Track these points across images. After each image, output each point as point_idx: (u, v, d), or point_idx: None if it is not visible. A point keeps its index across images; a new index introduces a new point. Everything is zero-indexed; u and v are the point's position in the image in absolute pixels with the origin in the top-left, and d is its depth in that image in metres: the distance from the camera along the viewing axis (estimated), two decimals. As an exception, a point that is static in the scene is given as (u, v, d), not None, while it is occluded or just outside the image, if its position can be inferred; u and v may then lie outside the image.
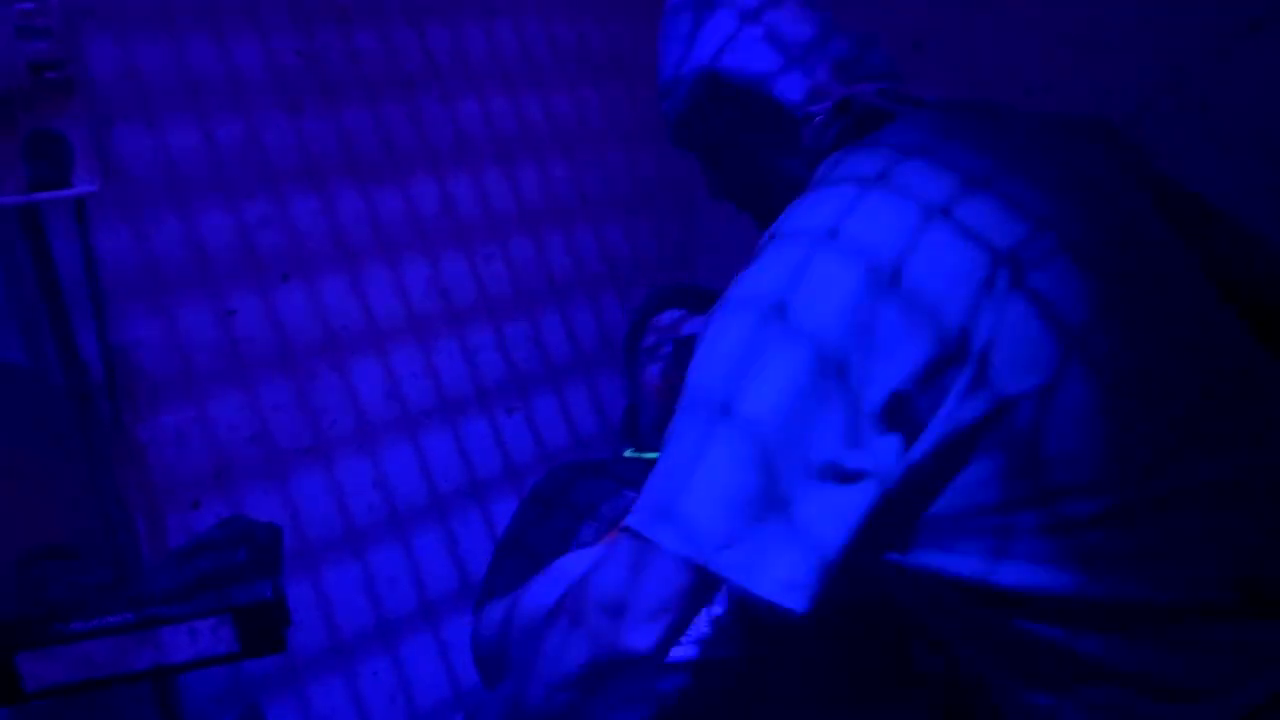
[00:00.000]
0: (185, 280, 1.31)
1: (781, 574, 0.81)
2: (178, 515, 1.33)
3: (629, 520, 0.86)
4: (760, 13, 1.05)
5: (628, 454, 1.54)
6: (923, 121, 1.01)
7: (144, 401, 1.28)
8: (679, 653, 1.16)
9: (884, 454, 0.83)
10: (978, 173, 0.93)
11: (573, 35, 1.74)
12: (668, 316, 1.57)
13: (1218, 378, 0.90)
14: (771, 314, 0.84)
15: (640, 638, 0.85)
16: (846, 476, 0.83)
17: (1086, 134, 1.12)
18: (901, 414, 0.83)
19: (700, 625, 1.18)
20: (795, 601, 0.80)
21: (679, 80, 1.06)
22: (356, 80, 1.46)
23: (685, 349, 1.50)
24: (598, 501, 1.33)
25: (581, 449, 1.79)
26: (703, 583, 0.84)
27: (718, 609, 1.19)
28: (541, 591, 1.24)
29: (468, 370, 1.62)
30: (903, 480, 0.85)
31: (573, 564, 1.23)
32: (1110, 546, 0.84)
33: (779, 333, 0.84)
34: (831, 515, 0.82)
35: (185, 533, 1.33)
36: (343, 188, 1.46)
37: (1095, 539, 0.84)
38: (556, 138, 1.73)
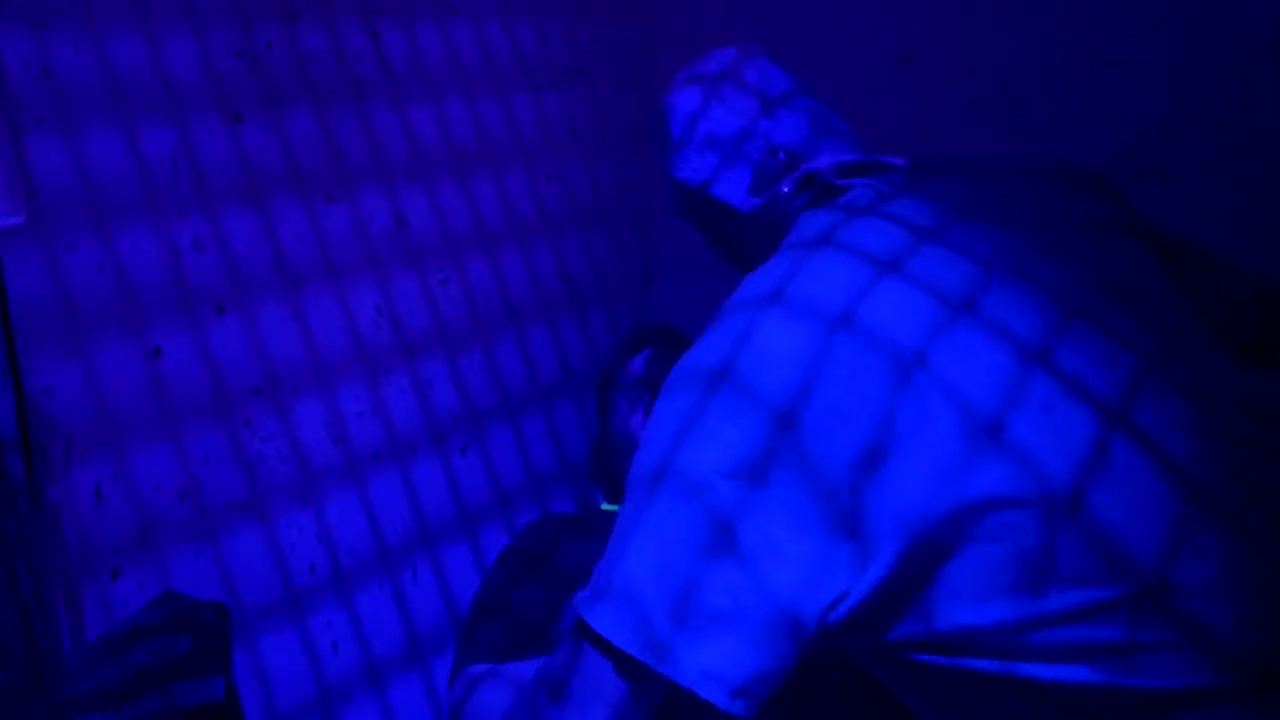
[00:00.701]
0: (104, 316, 1.14)
1: (715, 666, 0.76)
2: (94, 586, 1.16)
3: (575, 595, 0.78)
4: (701, 115, 1.13)
5: (605, 507, 1.44)
6: (879, 183, 1.01)
7: (57, 457, 1.12)
8: None
9: (853, 529, 0.79)
10: (927, 224, 0.92)
11: (534, 36, 1.61)
12: (642, 360, 1.48)
13: (1227, 445, 0.84)
14: (716, 379, 0.83)
15: None
16: (803, 555, 0.79)
17: (1065, 182, 1.08)
18: (865, 483, 0.80)
19: None
20: (731, 703, 0.76)
21: (665, 182, 1.18)
22: (303, 85, 1.30)
23: None
24: (589, 565, 1.22)
25: (537, 490, 1.67)
26: (637, 671, 0.78)
27: None
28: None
29: (419, 407, 1.49)
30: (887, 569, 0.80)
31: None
32: (1140, 636, 0.78)
33: (725, 395, 0.83)
34: (785, 599, 0.78)
35: (103, 607, 1.17)
36: (286, 206, 1.30)
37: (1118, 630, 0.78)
38: (516, 147, 1.60)
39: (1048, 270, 0.90)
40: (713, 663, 0.77)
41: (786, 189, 1.11)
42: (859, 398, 0.81)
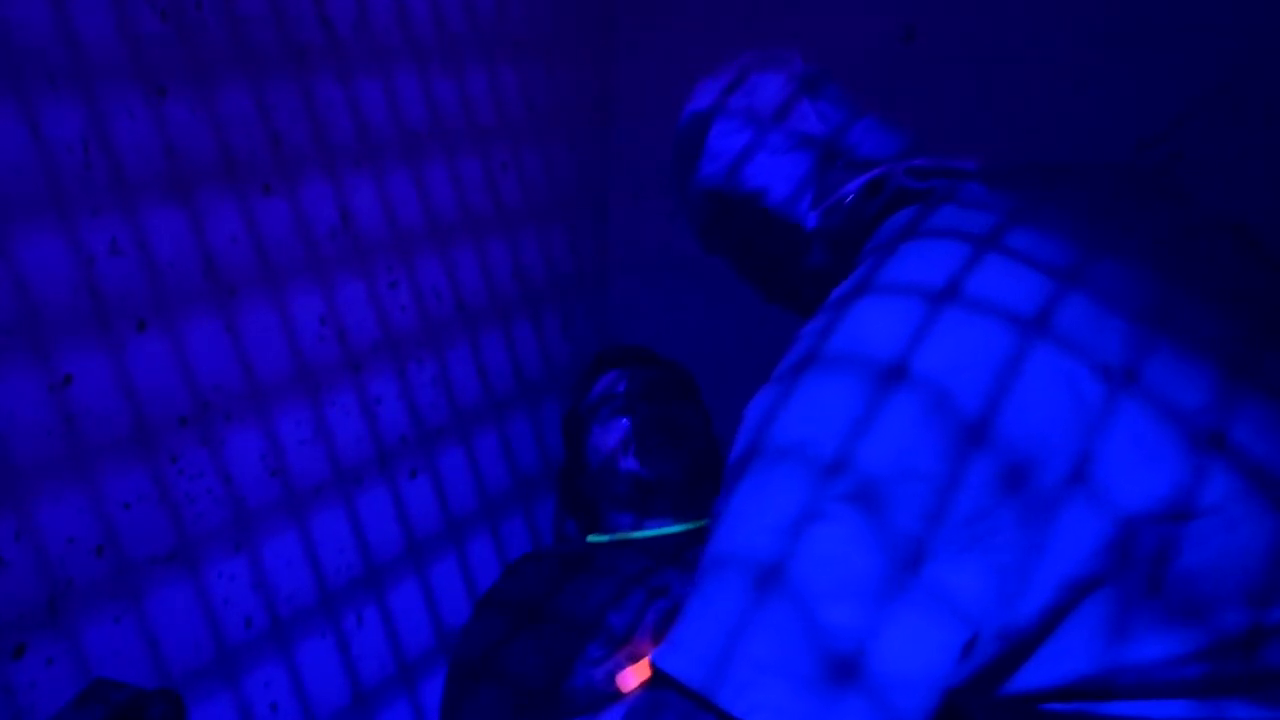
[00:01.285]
0: (1, 339, 0.94)
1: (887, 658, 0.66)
2: (-9, 667, 0.96)
3: (665, 662, 0.67)
4: (756, 122, 1.03)
5: (594, 539, 1.30)
6: (976, 198, 0.89)
7: (-58, 515, 0.91)
8: None
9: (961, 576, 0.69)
10: (1061, 264, 0.81)
11: (491, 2, 1.43)
12: (608, 381, 1.34)
13: None
14: (891, 376, 0.72)
15: None
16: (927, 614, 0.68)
17: (1143, 186, 0.99)
18: None
19: None
20: None
21: (689, 201, 1.09)
22: (237, 54, 1.11)
23: (649, 421, 1.27)
24: (600, 609, 1.08)
25: (491, 514, 1.51)
26: None
27: None
28: None
29: (367, 430, 1.31)
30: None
31: None
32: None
33: (906, 396, 0.71)
34: (911, 668, 0.67)
35: (5, 693, 0.97)
36: (217, 200, 1.11)
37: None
38: (471, 130, 1.42)
39: (1190, 309, 0.80)
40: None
41: (850, 198, 0.98)
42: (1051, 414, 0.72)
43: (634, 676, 1.02)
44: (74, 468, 1.00)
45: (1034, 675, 0.72)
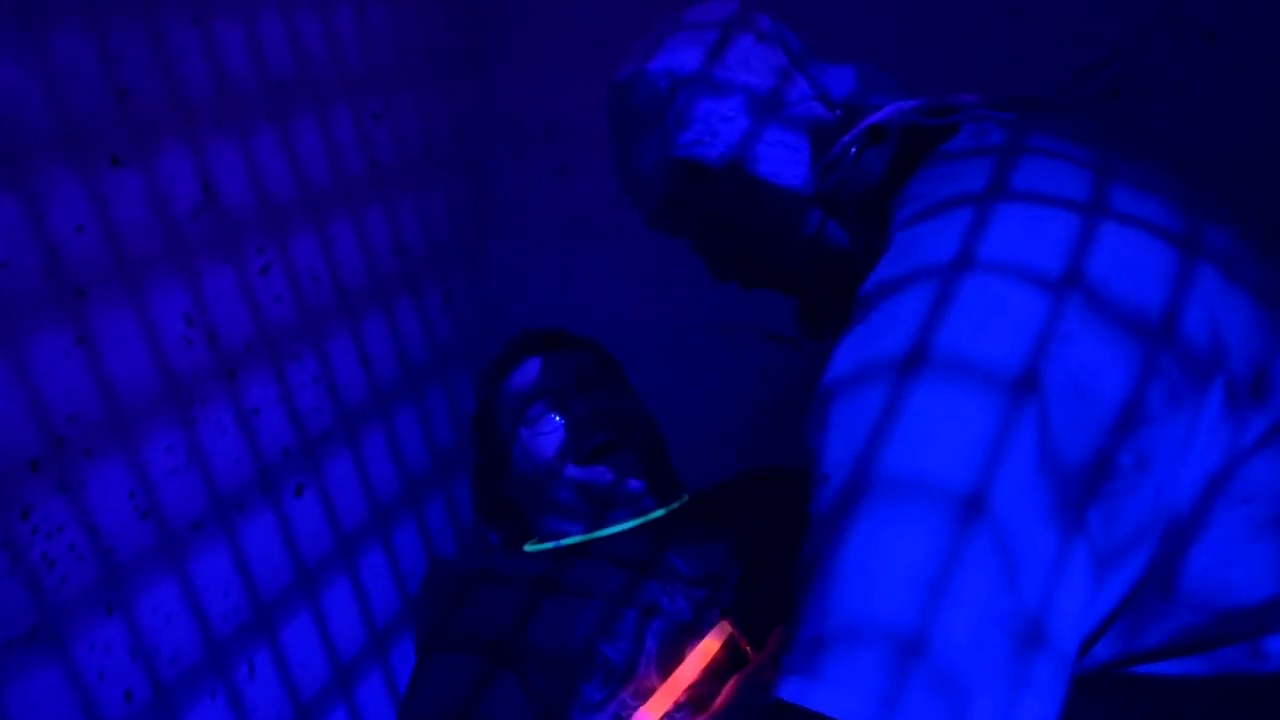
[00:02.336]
0: None
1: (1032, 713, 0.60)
2: None
3: (800, 691, 0.60)
4: (728, 81, 0.93)
5: (531, 548, 1.15)
6: (990, 126, 0.84)
7: None
8: None
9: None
10: (1099, 163, 0.79)
11: (355, -77, 1.23)
12: (524, 375, 1.19)
13: None
14: (910, 365, 0.68)
15: None
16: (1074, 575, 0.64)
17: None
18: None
19: None
20: None
21: (647, 175, 0.97)
22: (72, -10, 0.88)
23: (587, 417, 1.14)
24: (589, 641, 0.94)
25: (383, 524, 1.34)
26: None
27: None
28: None
29: (245, 445, 1.11)
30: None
31: None
32: None
33: (943, 385, 0.67)
34: (1072, 614, 0.64)
35: None
36: (58, 175, 0.88)
37: None
38: (341, 78, 1.22)
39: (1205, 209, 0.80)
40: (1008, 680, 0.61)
41: (853, 151, 0.88)
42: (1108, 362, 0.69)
43: (649, 717, 0.91)
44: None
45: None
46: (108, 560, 0.95)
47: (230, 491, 1.09)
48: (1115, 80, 1.31)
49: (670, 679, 0.93)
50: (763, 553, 1.07)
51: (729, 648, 0.96)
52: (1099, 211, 0.74)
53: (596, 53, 1.45)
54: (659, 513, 1.12)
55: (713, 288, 1.36)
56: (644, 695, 0.94)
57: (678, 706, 0.93)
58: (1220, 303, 0.73)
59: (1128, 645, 0.70)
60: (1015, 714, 0.60)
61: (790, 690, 0.61)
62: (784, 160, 0.91)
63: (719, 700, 0.89)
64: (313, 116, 1.17)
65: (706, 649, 0.95)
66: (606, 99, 1.04)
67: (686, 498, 1.17)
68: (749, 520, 1.13)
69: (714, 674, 0.94)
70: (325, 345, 1.22)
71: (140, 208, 0.96)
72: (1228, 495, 0.70)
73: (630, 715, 0.92)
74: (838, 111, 0.92)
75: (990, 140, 0.82)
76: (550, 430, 1.15)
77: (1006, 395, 0.66)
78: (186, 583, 1.04)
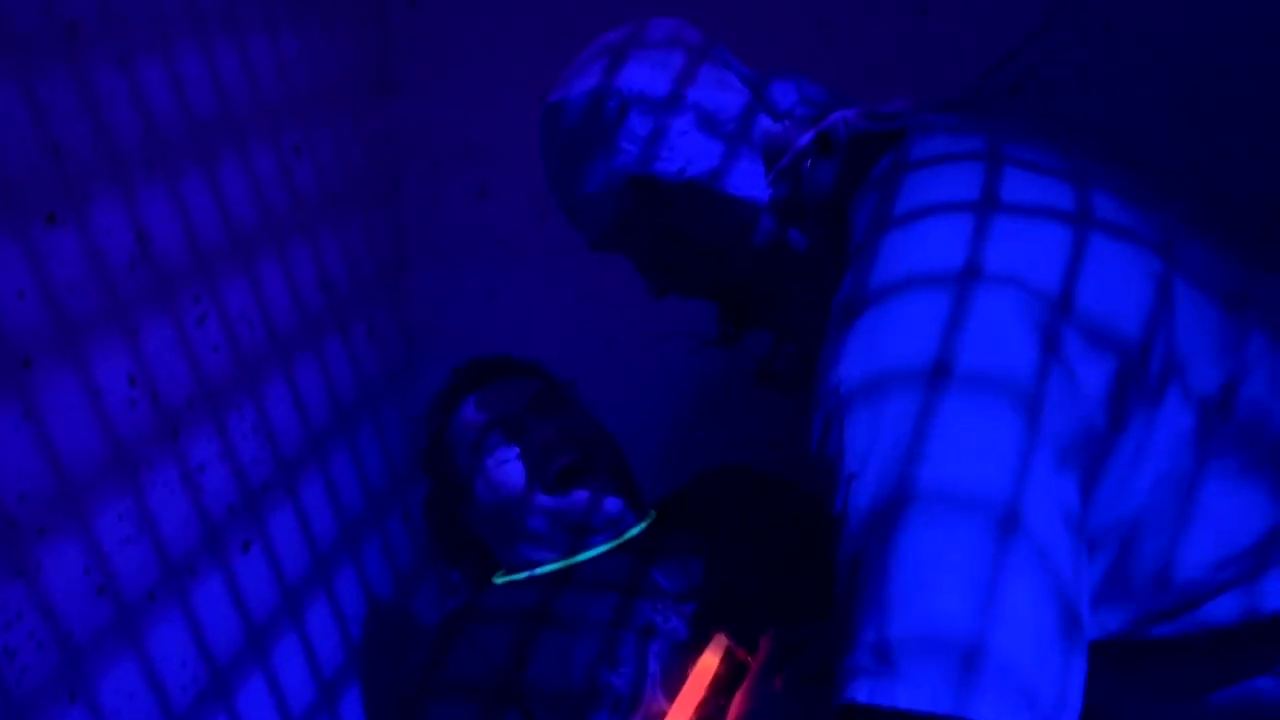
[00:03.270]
0: None
1: (1069, 697, 0.65)
2: None
3: (871, 691, 0.63)
4: (679, 96, 0.95)
5: (501, 579, 1.14)
6: (942, 127, 0.89)
7: None
8: None
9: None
10: (1068, 170, 0.84)
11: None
12: (476, 406, 1.18)
13: None
14: (936, 378, 0.71)
15: None
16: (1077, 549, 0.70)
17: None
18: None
19: None
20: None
21: (596, 195, 0.97)
22: None
23: (549, 442, 1.14)
24: (590, 670, 0.94)
25: (324, 575, 1.31)
26: None
27: None
28: None
29: (193, 507, 1.07)
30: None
31: None
32: None
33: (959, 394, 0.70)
34: (1084, 597, 0.69)
35: None
36: (-5, 242, 0.83)
37: None
38: (260, 111, 1.19)
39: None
40: (1066, 685, 0.66)
41: (808, 162, 0.90)
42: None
43: None
44: None
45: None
46: (67, 644, 0.91)
47: (181, 556, 1.05)
48: (1020, 74, 1.37)
49: (678, 700, 0.95)
50: (740, 556, 1.09)
51: (728, 660, 0.98)
52: (1085, 223, 0.78)
53: (512, 70, 1.45)
54: (635, 530, 1.13)
55: (643, 298, 1.37)
56: (654, 715, 0.95)
57: None
58: (1186, 314, 0.78)
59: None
60: (1066, 703, 0.64)
61: (865, 691, 0.64)
62: (740, 173, 0.94)
63: (732, 715, 0.90)
64: (236, 154, 1.13)
65: (707, 665, 0.97)
66: (542, 120, 1.03)
67: (654, 512, 1.18)
68: (719, 525, 1.15)
69: (719, 689, 0.96)
70: (262, 392, 1.18)
71: (78, 266, 0.91)
72: (1175, 492, 0.76)
73: None
74: (785, 122, 0.95)
75: (965, 147, 0.85)
76: (513, 458, 1.14)
77: (1025, 408, 0.70)
78: (145, 657, 1.00)
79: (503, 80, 1.45)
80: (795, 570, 1.09)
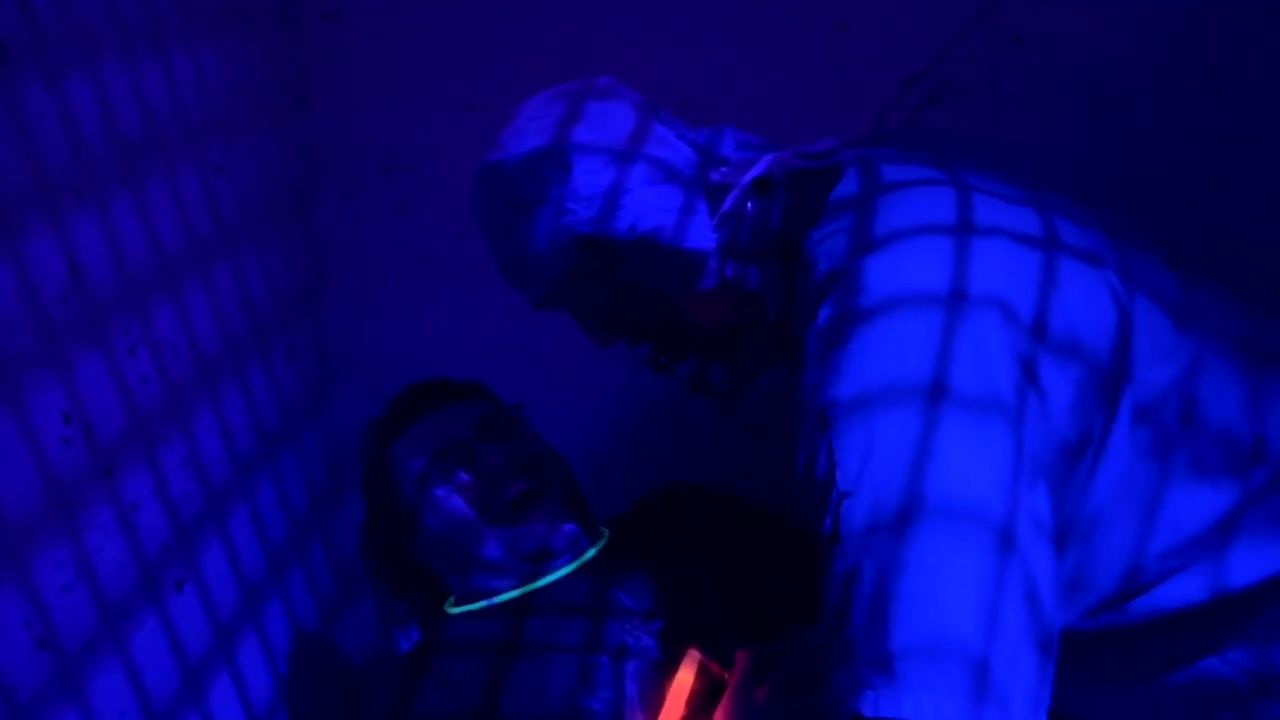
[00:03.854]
0: None
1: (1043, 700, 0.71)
2: None
3: (875, 705, 0.66)
4: (623, 153, 0.96)
5: (453, 609, 1.12)
6: (881, 159, 0.93)
7: None
8: None
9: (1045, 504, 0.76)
10: (1013, 193, 0.88)
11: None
12: (421, 432, 1.17)
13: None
14: (934, 396, 0.74)
15: None
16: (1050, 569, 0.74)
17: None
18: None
19: None
20: None
21: (541, 254, 0.97)
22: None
23: (501, 468, 1.13)
24: (570, 697, 0.94)
25: (254, 612, 1.27)
26: None
27: None
28: None
29: (128, 548, 1.03)
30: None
31: None
32: None
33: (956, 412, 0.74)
34: (1057, 604, 0.74)
35: None
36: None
37: None
38: (183, 127, 1.14)
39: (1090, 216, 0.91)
40: (1037, 690, 0.70)
41: (751, 205, 0.95)
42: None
43: None
44: None
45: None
46: (10, 701, 0.86)
47: (118, 600, 1.01)
48: (936, 86, 1.42)
49: (659, 719, 0.95)
50: (700, 571, 1.10)
51: (703, 675, 0.99)
52: (1053, 246, 0.81)
53: (431, 84, 1.43)
54: (592, 552, 1.13)
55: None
56: None
57: None
58: (1141, 326, 0.83)
59: None
60: (1040, 705, 0.69)
61: (870, 703, 0.67)
62: (687, 224, 0.95)
63: None
64: (161, 176, 1.09)
65: (683, 681, 0.98)
66: (479, 180, 1.02)
67: (607, 532, 1.18)
68: (675, 541, 1.16)
69: (696, 704, 0.97)
70: (190, 423, 1.14)
71: (12, 299, 0.87)
72: (1128, 492, 0.82)
73: None
74: (724, 169, 0.97)
75: (924, 174, 0.87)
76: (463, 486, 1.12)
77: (1012, 427, 0.73)
78: (86, 710, 0.96)
79: (422, 94, 1.42)
80: (755, 582, 1.10)
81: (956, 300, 0.77)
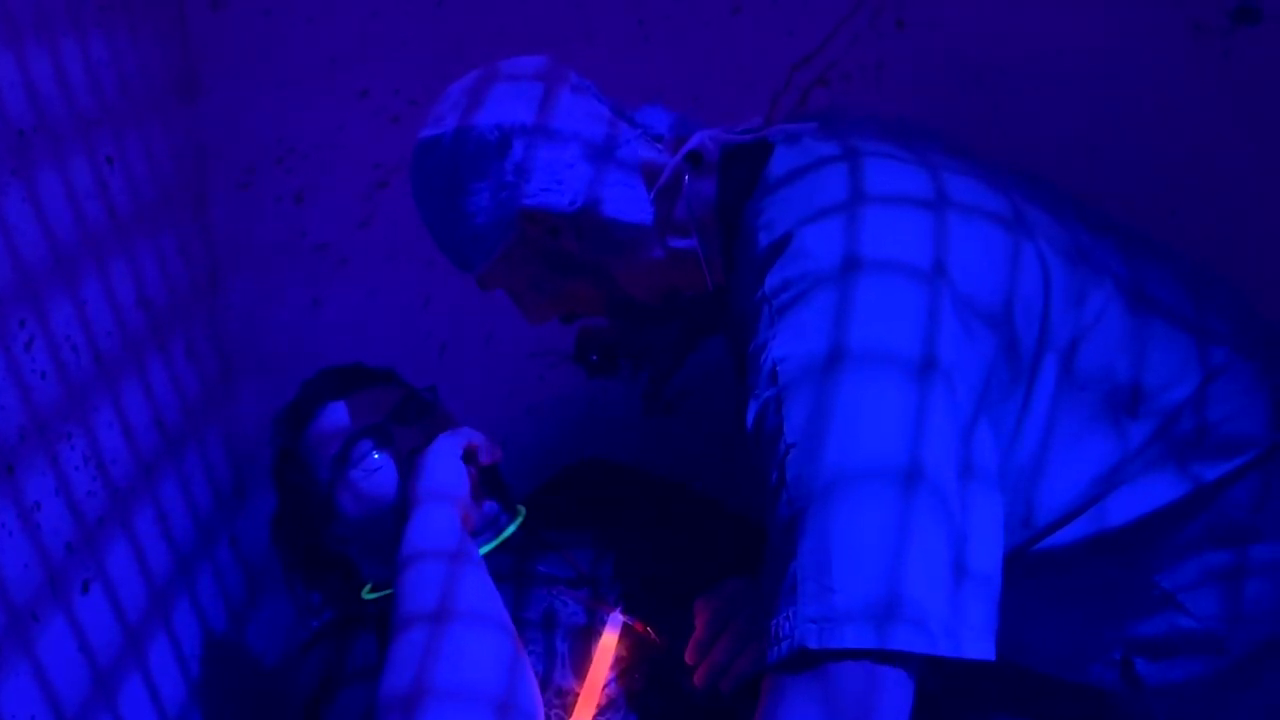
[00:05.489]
0: None
1: (978, 629, 0.76)
2: None
3: (819, 637, 0.72)
4: (560, 129, 0.99)
5: (370, 594, 1.13)
6: (806, 135, 0.99)
7: None
8: None
9: (987, 449, 0.82)
10: (916, 158, 0.94)
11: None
12: (334, 417, 1.17)
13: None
14: (835, 362, 0.80)
15: None
16: (986, 494, 0.80)
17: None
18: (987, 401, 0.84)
19: None
20: (989, 651, 0.76)
21: (482, 228, 1.00)
22: None
23: (417, 451, 1.14)
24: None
25: (163, 613, 1.26)
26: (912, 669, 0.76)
27: None
28: None
29: (33, 550, 1.01)
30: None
31: None
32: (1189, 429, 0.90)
33: (882, 374, 0.79)
34: (992, 544, 0.79)
35: None
36: None
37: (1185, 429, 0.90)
38: (74, 118, 1.12)
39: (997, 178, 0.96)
40: (981, 620, 0.76)
41: (686, 178, 0.97)
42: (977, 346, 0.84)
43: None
44: None
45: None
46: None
47: (25, 603, 0.99)
48: (825, 68, 1.46)
49: (587, 679, 0.98)
50: (620, 540, 1.13)
51: (629, 637, 1.02)
52: (946, 206, 0.86)
53: (325, 72, 1.42)
54: (512, 528, 1.15)
55: (478, 298, 1.38)
56: (564, 697, 0.98)
57: (610, 707, 0.97)
58: (1050, 267, 0.89)
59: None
60: (959, 629, 0.75)
61: (814, 636, 0.73)
62: (627, 198, 0.99)
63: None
64: (53, 167, 1.07)
65: (607, 645, 1.00)
66: (416, 157, 1.03)
67: (523, 509, 1.19)
68: (592, 515, 1.18)
69: (628, 666, 1.00)
70: (90, 419, 1.12)
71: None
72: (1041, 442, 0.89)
73: None
74: (658, 146, 1.02)
75: (829, 151, 0.92)
76: (381, 467, 1.13)
77: (918, 379, 0.79)
78: (-1, 718, 0.94)
79: (315, 81, 1.42)
80: (672, 549, 1.13)
81: (890, 264, 0.82)
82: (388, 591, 1.13)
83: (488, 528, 1.14)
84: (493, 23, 1.40)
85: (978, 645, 0.75)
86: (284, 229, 1.46)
